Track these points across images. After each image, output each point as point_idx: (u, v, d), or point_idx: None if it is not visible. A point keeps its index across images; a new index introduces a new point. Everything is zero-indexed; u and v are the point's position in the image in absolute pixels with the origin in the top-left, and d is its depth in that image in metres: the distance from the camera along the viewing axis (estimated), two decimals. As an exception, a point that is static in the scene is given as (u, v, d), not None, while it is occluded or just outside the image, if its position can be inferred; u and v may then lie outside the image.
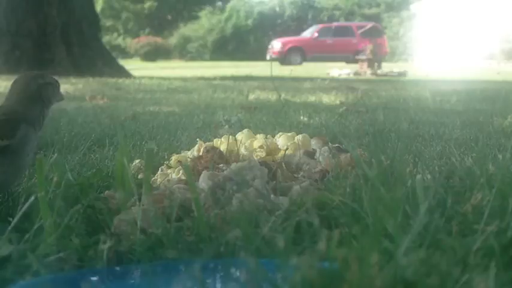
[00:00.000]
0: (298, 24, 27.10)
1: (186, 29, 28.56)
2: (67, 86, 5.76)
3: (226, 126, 2.15)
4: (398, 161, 1.03)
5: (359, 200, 0.84)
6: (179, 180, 1.07)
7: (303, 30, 21.47)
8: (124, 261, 0.74)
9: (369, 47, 10.92)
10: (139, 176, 1.12)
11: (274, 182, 1.00)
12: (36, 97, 0.98)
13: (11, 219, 0.80)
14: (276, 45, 18.89)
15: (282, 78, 7.14)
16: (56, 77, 1.07)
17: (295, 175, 1.09)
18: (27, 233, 0.77)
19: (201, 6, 29.71)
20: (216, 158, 1.14)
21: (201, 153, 1.19)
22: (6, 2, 8.21)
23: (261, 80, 6.77)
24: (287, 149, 1.22)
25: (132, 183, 0.86)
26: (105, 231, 0.78)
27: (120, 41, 28.35)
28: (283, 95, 4.11)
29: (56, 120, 2.44)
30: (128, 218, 0.81)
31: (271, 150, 1.27)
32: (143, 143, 1.65)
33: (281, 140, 1.30)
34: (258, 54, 21.39)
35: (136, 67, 11.81)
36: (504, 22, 18.08)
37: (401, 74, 10.12)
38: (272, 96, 4.19)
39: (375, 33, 16.42)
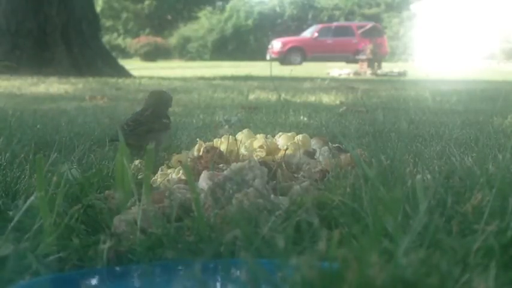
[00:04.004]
0: (298, 24, 27.10)
1: (186, 29, 28.54)
2: (67, 86, 5.76)
3: (226, 126, 2.15)
4: (398, 161, 1.03)
5: (359, 200, 0.84)
6: (179, 180, 1.07)
7: (303, 30, 21.47)
8: (124, 261, 0.74)
9: (369, 47, 10.92)
10: (139, 176, 1.12)
11: (274, 182, 1.00)
12: (168, 103, 1.59)
13: (11, 219, 0.80)
14: (276, 45, 18.88)
15: (282, 78, 7.14)
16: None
17: (295, 175, 1.09)
18: (27, 233, 0.77)
19: (201, 6, 29.70)
20: (216, 158, 1.14)
21: (201, 153, 1.19)
22: (6, 2, 8.21)
23: (261, 80, 6.77)
24: (287, 149, 1.22)
25: (132, 183, 0.86)
26: (105, 231, 0.78)
27: (120, 41, 28.34)
28: (283, 95, 4.11)
29: (56, 120, 2.44)
30: (128, 218, 0.81)
31: (271, 150, 1.27)
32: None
33: (281, 140, 1.30)
34: (258, 54, 21.39)
35: (136, 67, 11.81)
36: (504, 22, 18.08)
37: (401, 74, 10.13)
38: (272, 96, 4.19)
39: (375, 33, 16.42)
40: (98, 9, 18.70)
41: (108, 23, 28.08)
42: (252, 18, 28.56)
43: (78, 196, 0.95)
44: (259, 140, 1.30)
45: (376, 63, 10.72)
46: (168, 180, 1.10)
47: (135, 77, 7.82)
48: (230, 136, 1.29)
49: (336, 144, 1.28)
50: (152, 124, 1.51)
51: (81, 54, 8.40)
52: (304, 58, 18.21)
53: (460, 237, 0.71)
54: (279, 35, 21.65)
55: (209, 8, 29.76)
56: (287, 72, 8.48)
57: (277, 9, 29.60)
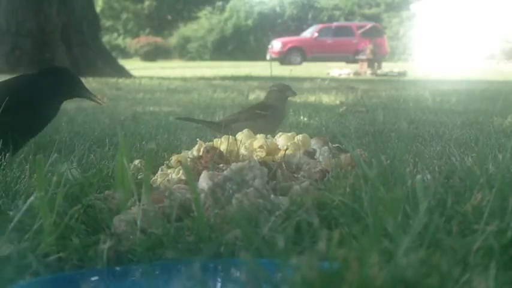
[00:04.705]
0: (298, 24, 27.08)
1: (186, 29, 28.52)
2: (67, 86, 5.75)
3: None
4: (398, 161, 1.03)
5: (359, 200, 0.84)
6: (179, 180, 1.07)
7: (303, 30, 21.45)
8: (124, 261, 0.74)
9: (369, 47, 10.92)
10: (139, 176, 1.12)
11: (274, 182, 1.00)
12: (284, 99, 1.83)
13: (11, 219, 0.80)
14: (276, 45, 18.87)
15: (282, 78, 7.14)
16: None
17: (295, 175, 1.09)
18: (27, 233, 0.77)
19: (201, 7, 29.68)
20: (216, 158, 1.14)
21: (201, 153, 1.19)
22: (6, 2, 8.21)
23: (261, 80, 6.77)
24: (287, 149, 1.22)
25: (132, 183, 0.86)
26: (105, 231, 0.78)
27: (120, 41, 28.32)
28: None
29: (56, 120, 2.44)
30: (128, 218, 0.81)
31: (271, 150, 1.27)
32: (143, 143, 1.65)
33: (281, 140, 1.30)
34: (258, 54, 21.36)
35: (136, 67, 11.80)
36: (504, 22, 18.07)
37: (401, 74, 10.12)
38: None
39: (375, 33, 16.42)
40: (98, 9, 18.68)
41: (108, 23, 28.05)
42: (252, 18, 28.54)
43: (78, 196, 0.95)
44: (259, 140, 1.30)
45: (376, 63, 10.71)
46: (168, 180, 1.10)
47: (135, 77, 7.82)
48: (230, 136, 1.29)
49: (336, 144, 1.28)
50: (242, 115, 1.82)
51: (81, 54, 8.39)
52: (304, 58, 18.20)
53: (460, 237, 0.71)
54: (279, 35, 21.63)
55: (209, 8, 29.73)
56: (287, 72, 8.48)
57: (277, 9, 29.57)
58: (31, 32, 8.09)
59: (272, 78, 4.84)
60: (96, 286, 0.70)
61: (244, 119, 1.78)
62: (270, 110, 1.80)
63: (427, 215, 0.69)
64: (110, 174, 1.10)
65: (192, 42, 27.86)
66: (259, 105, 1.87)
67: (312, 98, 4.21)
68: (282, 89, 1.83)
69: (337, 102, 3.85)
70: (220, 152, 1.18)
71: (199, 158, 1.16)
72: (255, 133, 1.36)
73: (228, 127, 1.67)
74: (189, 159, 1.19)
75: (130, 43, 26.46)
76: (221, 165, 1.12)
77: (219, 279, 0.69)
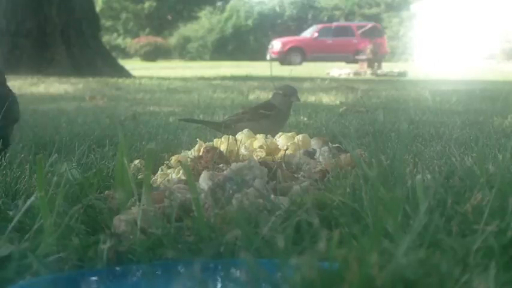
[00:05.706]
0: (298, 24, 27.09)
1: (186, 29, 28.53)
2: (67, 86, 5.76)
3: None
4: (398, 161, 1.03)
5: (359, 200, 0.84)
6: (179, 180, 1.07)
7: (303, 30, 21.46)
8: (124, 261, 0.74)
9: (369, 47, 10.92)
10: (139, 176, 1.12)
11: (274, 182, 1.00)
12: (289, 103, 1.78)
13: (11, 219, 0.80)
14: (276, 45, 18.88)
15: (281, 78, 7.14)
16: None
17: (295, 175, 1.09)
18: (27, 233, 0.77)
19: (201, 6, 29.68)
20: (216, 158, 1.14)
21: (201, 153, 1.19)
22: (6, 2, 8.21)
23: (261, 80, 6.78)
24: (287, 149, 1.22)
25: (132, 183, 0.86)
26: (105, 231, 0.78)
27: (120, 41, 28.32)
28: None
29: (56, 120, 2.44)
30: (128, 218, 0.81)
31: (271, 150, 1.27)
32: (143, 143, 1.65)
33: (281, 140, 1.30)
34: (258, 54, 21.39)
35: (136, 67, 11.80)
36: (504, 22, 18.07)
37: (401, 74, 10.12)
38: (272, 96, 4.18)
39: (375, 33, 16.44)
40: (98, 9, 18.67)
41: (108, 23, 28.05)
42: (252, 18, 28.54)
43: (78, 196, 0.95)
44: (259, 140, 1.30)
45: (376, 63, 10.71)
46: (168, 180, 1.10)
47: (135, 77, 7.82)
48: (230, 136, 1.29)
49: (336, 144, 1.28)
50: (245, 115, 1.80)
51: (81, 54, 8.40)
52: (304, 58, 18.20)
53: (460, 237, 0.71)
54: (279, 35, 21.64)
55: (209, 8, 29.74)
56: (287, 72, 8.48)
57: (277, 9, 29.58)
58: (31, 32, 8.10)
59: (272, 78, 4.84)
60: (96, 286, 0.70)
61: (247, 119, 1.76)
62: (274, 111, 1.77)
63: (427, 215, 0.69)
64: (110, 174, 1.10)
65: (192, 42, 27.87)
66: (263, 105, 1.85)
67: (312, 98, 4.21)
68: (287, 93, 1.81)
69: (337, 102, 3.85)
70: (220, 152, 1.18)
71: (199, 158, 1.16)
72: (259, 133, 1.35)
73: (231, 127, 1.65)
74: (189, 159, 1.19)
75: (131, 43, 26.46)
76: (221, 165, 1.12)
77: (219, 279, 0.69)
